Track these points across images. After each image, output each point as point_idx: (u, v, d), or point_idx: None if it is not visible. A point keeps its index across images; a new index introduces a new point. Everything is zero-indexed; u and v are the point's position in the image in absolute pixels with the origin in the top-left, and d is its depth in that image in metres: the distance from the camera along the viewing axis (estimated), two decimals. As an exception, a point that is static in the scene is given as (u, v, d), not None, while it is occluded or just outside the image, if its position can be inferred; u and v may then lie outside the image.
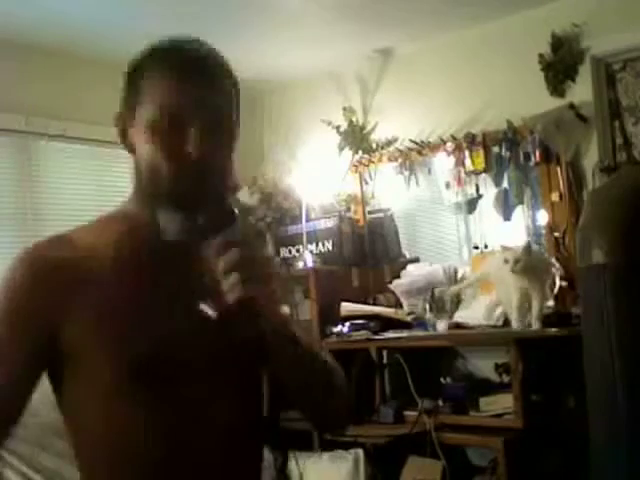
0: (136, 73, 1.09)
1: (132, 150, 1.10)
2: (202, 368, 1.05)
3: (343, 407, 1.18)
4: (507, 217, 3.59)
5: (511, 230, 3.59)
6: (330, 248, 3.90)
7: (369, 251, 3.94)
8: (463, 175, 3.69)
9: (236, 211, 1.00)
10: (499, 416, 3.02)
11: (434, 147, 3.81)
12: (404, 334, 3.40)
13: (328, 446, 3.33)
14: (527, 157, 3.47)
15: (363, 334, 3.41)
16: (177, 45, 1.09)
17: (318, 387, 1.12)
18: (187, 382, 1.04)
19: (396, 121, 3.96)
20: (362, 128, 4.08)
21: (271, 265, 1.04)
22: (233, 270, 0.95)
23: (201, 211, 1.00)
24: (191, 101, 1.04)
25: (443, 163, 3.80)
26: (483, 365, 3.40)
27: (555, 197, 3.40)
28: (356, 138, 4.08)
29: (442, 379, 3.35)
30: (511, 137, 3.51)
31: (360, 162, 4.09)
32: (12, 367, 1.03)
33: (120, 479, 1.05)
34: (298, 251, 3.94)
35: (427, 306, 3.47)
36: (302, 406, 1.15)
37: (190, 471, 1.04)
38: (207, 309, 1.00)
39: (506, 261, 3.04)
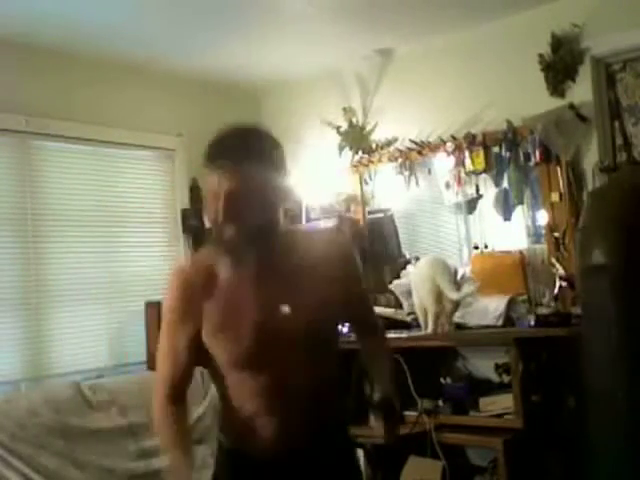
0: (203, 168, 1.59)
1: None
2: (283, 350, 1.58)
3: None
4: (507, 217, 3.59)
5: (511, 230, 3.60)
6: (330, 248, 3.89)
7: (369, 251, 3.94)
8: (463, 175, 3.68)
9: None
10: (499, 416, 3.02)
11: (434, 147, 3.80)
12: (404, 334, 3.41)
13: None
14: (527, 157, 3.47)
15: (363, 334, 3.41)
16: (220, 146, 1.56)
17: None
18: (273, 359, 1.58)
19: (396, 121, 3.96)
20: (362, 128, 4.09)
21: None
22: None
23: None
24: (222, 185, 1.52)
25: (443, 163, 3.79)
26: (483, 365, 3.40)
27: (555, 197, 3.40)
28: (356, 138, 4.08)
29: (442, 379, 3.35)
30: (511, 137, 3.51)
31: (360, 162, 4.09)
32: (179, 353, 1.64)
33: (239, 413, 1.65)
34: (298, 251, 3.93)
35: (427, 306, 3.47)
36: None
37: (278, 412, 1.61)
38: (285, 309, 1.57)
39: None
